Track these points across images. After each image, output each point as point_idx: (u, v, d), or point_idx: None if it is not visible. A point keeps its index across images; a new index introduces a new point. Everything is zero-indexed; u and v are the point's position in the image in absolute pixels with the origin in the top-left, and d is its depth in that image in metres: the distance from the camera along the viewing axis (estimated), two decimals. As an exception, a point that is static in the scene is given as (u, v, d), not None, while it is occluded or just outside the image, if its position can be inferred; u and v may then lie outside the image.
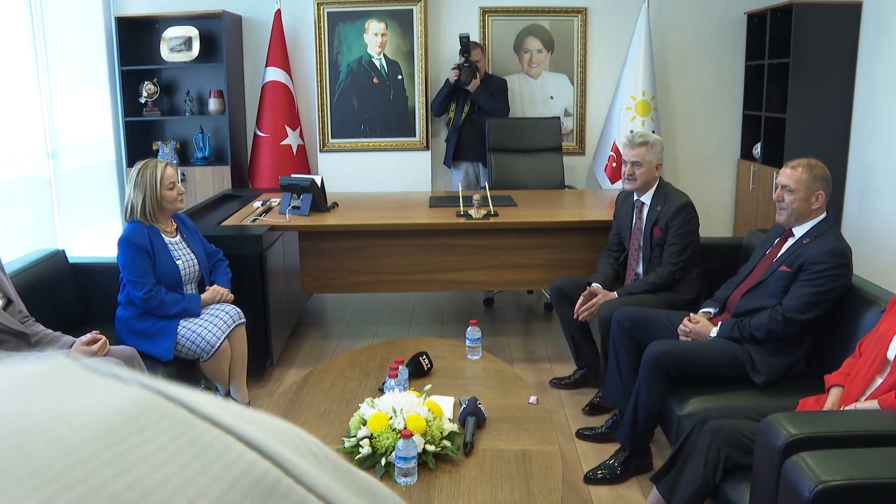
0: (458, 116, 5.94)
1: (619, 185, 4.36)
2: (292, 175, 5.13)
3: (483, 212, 4.59)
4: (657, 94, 6.04)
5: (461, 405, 2.78)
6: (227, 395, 3.76)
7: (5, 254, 3.21)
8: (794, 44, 5.47)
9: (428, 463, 2.42)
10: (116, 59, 6.04)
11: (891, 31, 5.04)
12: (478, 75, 5.78)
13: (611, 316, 3.55)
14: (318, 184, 4.72)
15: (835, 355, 2.98)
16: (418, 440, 2.42)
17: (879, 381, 2.49)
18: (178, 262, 3.59)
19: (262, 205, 4.95)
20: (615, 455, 3.35)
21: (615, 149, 5.88)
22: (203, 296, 3.65)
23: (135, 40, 6.13)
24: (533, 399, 2.94)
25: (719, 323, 3.26)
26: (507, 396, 2.99)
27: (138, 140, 6.23)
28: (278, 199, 4.97)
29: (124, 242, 3.47)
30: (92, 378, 0.34)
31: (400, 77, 6.18)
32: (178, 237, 3.69)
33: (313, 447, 0.35)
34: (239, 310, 3.72)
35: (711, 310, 3.43)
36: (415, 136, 6.25)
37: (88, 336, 2.96)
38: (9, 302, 2.98)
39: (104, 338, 2.99)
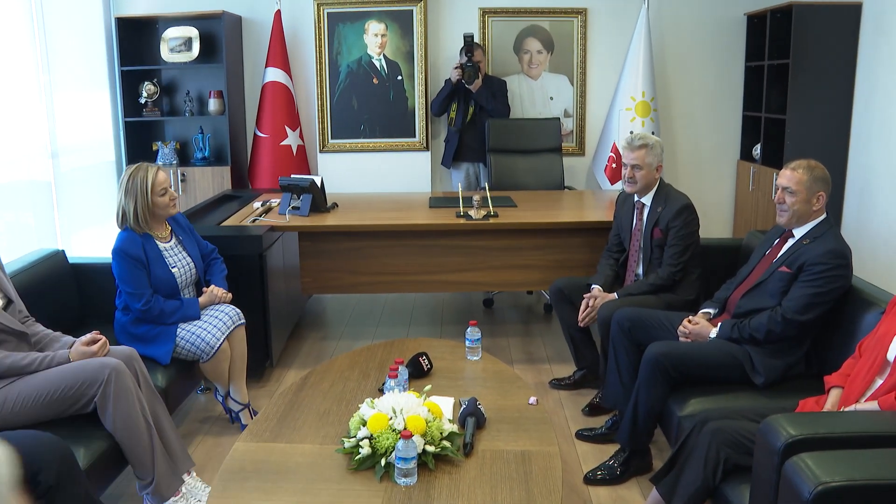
0: (459, 117, 5.94)
1: (618, 185, 4.36)
2: (292, 175, 5.13)
3: (483, 212, 4.59)
4: (657, 95, 6.04)
5: (461, 406, 2.78)
6: (227, 395, 3.76)
7: (5, 254, 3.21)
8: (794, 45, 5.47)
9: (428, 463, 2.42)
10: (116, 59, 6.04)
11: (891, 32, 5.04)
12: (479, 75, 5.78)
13: (611, 317, 3.55)
14: (318, 184, 4.72)
15: (834, 356, 2.98)
16: (418, 441, 2.41)
17: (879, 382, 2.49)
18: (173, 269, 3.55)
19: (261, 205, 4.95)
20: (615, 456, 3.36)
21: (615, 150, 5.89)
22: (201, 299, 3.63)
23: (135, 41, 6.13)
24: (532, 400, 2.94)
25: (719, 324, 3.26)
26: (506, 397, 2.98)
27: (138, 140, 6.23)
28: (278, 200, 4.97)
29: (119, 253, 3.42)
30: None
31: (400, 78, 6.18)
32: (173, 241, 3.65)
33: None
34: (238, 310, 3.72)
35: (711, 310, 3.43)
36: (414, 136, 6.25)
37: (88, 336, 2.96)
38: (9, 302, 2.98)
39: (104, 338, 2.99)
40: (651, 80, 5.95)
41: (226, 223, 4.56)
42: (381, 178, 6.22)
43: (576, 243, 4.63)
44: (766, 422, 2.25)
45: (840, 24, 5.42)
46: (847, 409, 2.52)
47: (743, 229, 6.19)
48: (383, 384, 2.92)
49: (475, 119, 5.92)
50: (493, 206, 4.71)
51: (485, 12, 6.34)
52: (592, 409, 3.96)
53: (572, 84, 6.45)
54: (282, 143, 6.13)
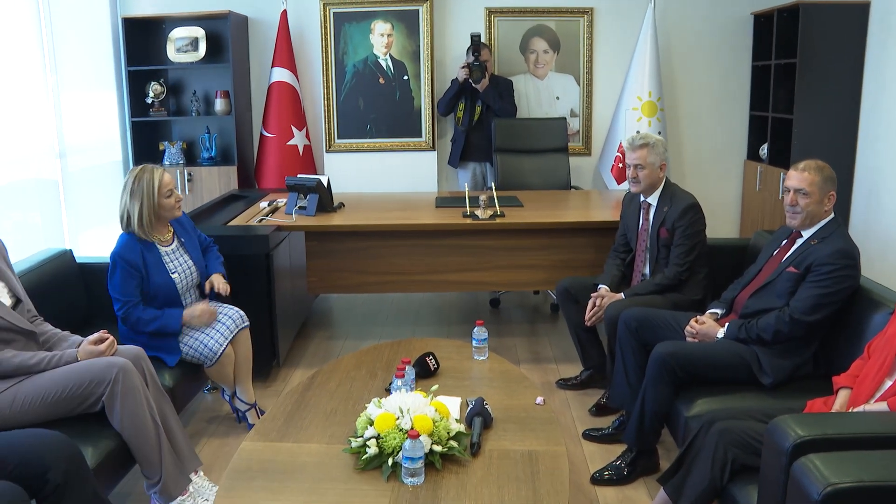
0: (467, 116, 5.94)
1: (625, 185, 4.36)
2: (298, 175, 5.13)
3: (489, 212, 4.59)
4: (663, 94, 6.03)
5: (468, 406, 2.78)
6: (234, 395, 3.77)
7: (14, 253, 3.22)
8: (801, 44, 5.46)
9: (435, 463, 2.42)
10: (123, 59, 6.06)
11: (898, 32, 5.03)
12: (486, 74, 5.78)
13: (617, 317, 3.55)
14: (325, 184, 4.73)
15: (842, 356, 2.97)
16: (425, 440, 2.42)
17: (889, 383, 2.48)
18: (173, 275, 3.50)
19: (268, 205, 4.95)
20: (622, 456, 3.35)
21: (621, 149, 5.88)
22: (185, 313, 3.46)
23: (141, 41, 6.14)
24: (539, 400, 2.94)
25: (726, 324, 3.26)
26: (513, 397, 2.98)
27: (145, 140, 6.25)
28: (284, 200, 4.97)
29: (115, 258, 3.39)
30: None
31: (406, 77, 6.18)
32: (175, 244, 3.61)
33: None
34: (242, 313, 3.71)
35: (718, 311, 3.42)
36: (421, 136, 6.25)
37: (96, 336, 2.97)
38: (17, 301, 2.99)
39: (111, 337, 2.99)
40: (657, 79, 5.94)
41: (232, 223, 4.57)
42: (388, 178, 6.22)
43: (582, 243, 4.63)
44: (774, 422, 2.24)
45: (848, 23, 5.41)
46: (856, 409, 2.51)
47: (750, 229, 6.18)
48: (390, 384, 2.92)
49: (482, 118, 5.92)
50: (499, 206, 4.70)
51: (491, 12, 6.33)
52: (599, 409, 3.95)
53: (578, 84, 6.44)
54: (288, 143, 6.14)
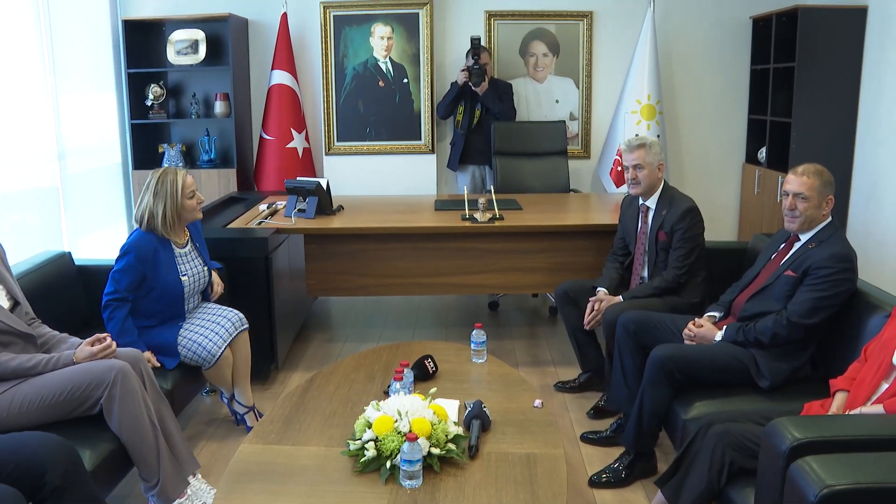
0: (466, 119, 5.94)
1: (624, 188, 4.38)
2: (298, 178, 5.14)
3: (488, 215, 4.60)
4: (662, 98, 6.04)
5: (466, 408, 2.78)
6: (232, 398, 3.77)
7: (12, 256, 3.22)
8: (800, 48, 5.47)
9: (433, 466, 2.42)
10: (123, 61, 6.06)
11: (896, 36, 5.04)
12: (486, 77, 5.79)
13: (616, 320, 3.55)
14: (324, 187, 4.73)
15: (840, 360, 2.97)
16: (423, 443, 2.42)
17: (885, 386, 2.49)
18: (183, 277, 3.53)
19: (267, 207, 4.96)
20: (620, 458, 3.35)
21: (620, 153, 5.87)
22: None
23: (141, 43, 6.15)
24: (538, 402, 2.94)
25: (724, 327, 3.26)
26: (511, 400, 2.99)
27: (144, 143, 6.25)
28: (284, 202, 4.98)
29: (127, 248, 3.41)
30: None
31: (406, 80, 6.19)
32: (189, 247, 3.64)
33: None
34: (241, 315, 3.72)
35: (716, 314, 3.43)
36: (420, 139, 6.26)
37: (94, 338, 2.97)
38: (15, 304, 2.99)
39: (110, 339, 2.99)
40: (657, 83, 5.95)
41: (232, 225, 4.57)
42: (387, 181, 6.23)
43: (581, 246, 4.63)
44: (771, 424, 2.24)
45: (846, 27, 5.42)
46: (853, 412, 2.51)
47: (748, 232, 6.18)
48: (389, 386, 2.92)
49: (482, 122, 5.93)
50: (498, 209, 4.71)
51: (491, 15, 6.34)
52: (597, 412, 3.96)
53: (578, 87, 6.45)
54: (288, 146, 6.14)
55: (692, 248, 3.80)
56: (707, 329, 3.30)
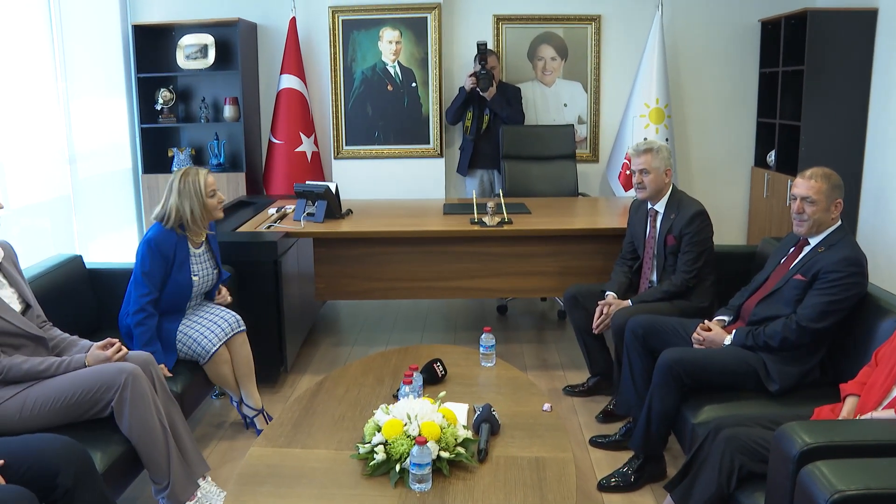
0: (475, 125, 5.95)
1: (632, 192, 4.38)
2: (307, 182, 5.15)
3: (497, 219, 4.60)
4: (671, 101, 6.04)
5: (475, 412, 2.78)
6: (241, 401, 3.78)
7: (24, 259, 3.24)
8: (809, 51, 5.46)
9: (442, 469, 2.43)
10: (133, 66, 6.09)
11: (906, 39, 5.03)
12: (494, 82, 5.80)
13: (625, 324, 3.55)
14: (333, 191, 4.74)
15: (850, 364, 2.97)
16: (433, 447, 2.42)
17: (896, 390, 2.49)
18: (194, 277, 3.58)
19: (276, 211, 4.97)
20: (629, 463, 3.35)
21: (629, 157, 5.87)
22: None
23: (151, 48, 6.18)
24: (546, 406, 2.94)
25: (733, 331, 3.26)
26: (520, 403, 2.99)
27: (154, 147, 6.27)
28: (293, 206, 4.99)
29: (149, 244, 3.44)
30: None
31: (414, 84, 6.20)
32: (204, 247, 3.69)
33: None
34: (238, 317, 3.73)
35: (725, 318, 3.43)
36: (429, 143, 6.27)
37: (105, 341, 2.99)
38: (27, 307, 3.01)
39: (119, 343, 3.01)
40: (665, 86, 5.95)
41: (241, 229, 4.59)
42: (396, 185, 6.24)
43: (590, 250, 4.63)
44: (781, 429, 2.24)
45: (855, 30, 5.40)
46: (863, 417, 2.50)
47: (757, 236, 6.17)
48: (398, 390, 2.93)
49: (490, 127, 5.93)
50: (507, 213, 4.71)
51: (499, 19, 6.35)
52: (606, 416, 3.95)
53: (586, 91, 6.45)
54: (296, 150, 6.16)
55: (701, 252, 3.79)
56: (716, 333, 3.30)
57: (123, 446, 2.84)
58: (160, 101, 6.19)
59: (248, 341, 3.75)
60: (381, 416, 2.61)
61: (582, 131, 6.48)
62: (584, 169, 6.32)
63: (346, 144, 6.29)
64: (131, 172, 6.20)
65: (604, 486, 3.30)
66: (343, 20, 6.12)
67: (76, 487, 2.39)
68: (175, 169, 6.23)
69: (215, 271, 3.74)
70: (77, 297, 3.77)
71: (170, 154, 6.31)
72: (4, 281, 2.97)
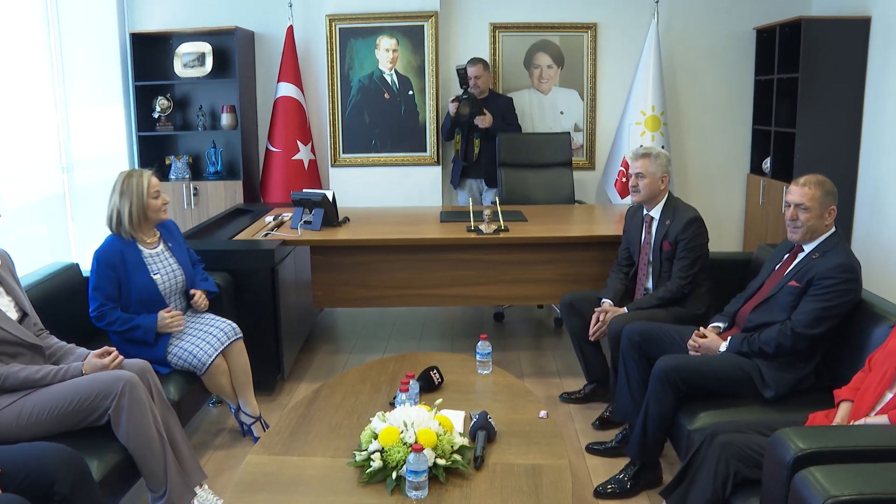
0: (464, 148, 5.93)
1: (628, 200, 4.39)
2: (304, 190, 5.17)
3: (493, 227, 4.61)
4: (667, 109, 6.06)
5: (472, 419, 2.79)
6: (238, 409, 3.78)
7: (20, 267, 3.24)
8: (803, 59, 5.49)
9: (439, 477, 2.43)
10: (130, 74, 6.11)
11: (900, 47, 5.06)
12: (484, 111, 5.78)
13: (621, 331, 3.56)
14: (330, 198, 4.75)
15: (844, 370, 2.98)
16: (429, 454, 2.43)
17: (889, 396, 2.50)
18: (155, 276, 3.55)
19: (273, 219, 4.98)
20: (625, 469, 3.36)
21: (625, 164, 5.89)
22: (159, 322, 3.46)
23: (149, 56, 6.20)
24: (543, 413, 2.95)
25: (729, 337, 3.27)
26: (517, 411, 3.00)
27: (151, 154, 6.28)
28: (290, 214, 5.00)
29: (95, 257, 3.48)
30: None
31: (411, 92, 6.22)
32: (161, 247, 3.66)
33: None
34: (234, 325, 3.73)
35: (721, 324, 3.44)
36: (426, 151, 6.29)
37: (102, 349, 2.99)
38: (24, 315, 3.01)
39: (116, 352, 3.01)
40: (661, 94, 5.97)
41: (238, 237, 4.60)
42: (393, 193, 6.25)
43: (586, 257, 4.64)
44: (775, 435, 2.25)
45: (849, 37, 5.43)
46: (857, 422, 2.52)
47: (753, 243, 6.19)
48: (394, 398, 2.94)
49: (483, 149, 5.90)
50: (503, 221, 4.73)
51: (495, 27, 6.38)
52: (603, 423, 3.96)
53: (582, 98, 6.47)
54: (294, 158, 6.18)
55: (696, 258, 3.81)
56: (711, 340, 3.31)
57: (120, 454, 2.84)
58: (157, 108, 6.21)
59: (245, 349, 3.75)
60: (377, 423, 2.62)
61: (578, 139, 6.50)
62: (580, 176, 6.34)
63: (343, 152, 6.31)
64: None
65: (600, 493, 3.30)
66: (340, 28, 6.14)
67: (73, 496, 2.39)
68: (172, 177, 6.26)
69: (180, 269, 3.69)
70: (74, 305, 3.77)
71: (167, 162, 6.33)
72: (1, 289, 2.98)
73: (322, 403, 3.07)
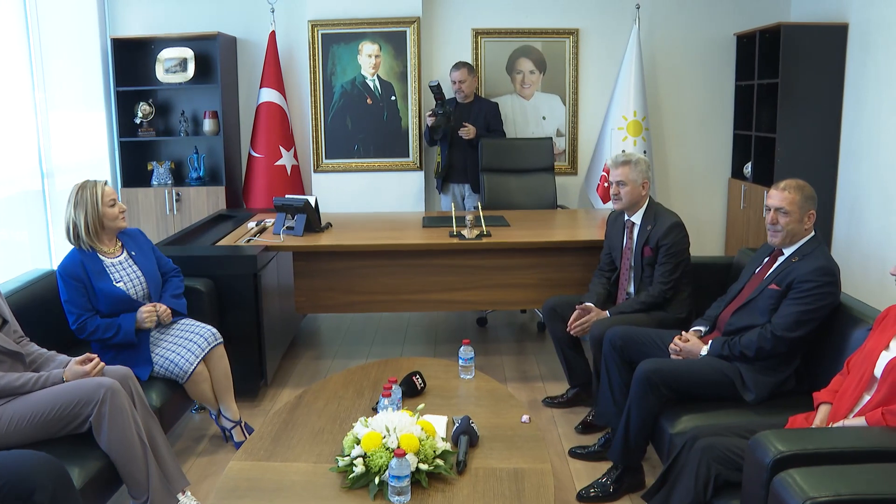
0: (444, 163, 5.97)
1: (611, 204, 4.42)
2: (286, 195, 5.16)
3: (476, 232, 4.62)
4: (648, 114, 6.10)
5: (454, 424, 2.80)
6: (219, 414, 3.76)
7: (0, 273, 3.22)
8: (783, 64, 5.54)
9: (421, 482, 2.44)
10: (112, 79, 6.08)
11: (876, 52, 5.11)
12: (469, 127, 5.82)
13: (603, 335, 3.57)
14: (313, 204, 4.75)
15: (824, 372, 3.00)
16: (411, 459, 2.44)
17: (867, 398, 2.52)
18: (118, 284, 3.51)
19: (256, 225, 4.97)
20: (608, 473, 3.37)
21: (607, 169, 5.91)
22: (137, 316, 3.51)
23: (130, 61, 6.18)
24: (525, 418, 2.96)
25: (710, 341, 3.29)
26: (499, 415, 3.01)
27: (133, 160, 6.26)
28: (272, 220, 4.99)
29: (59, 272, 3.47)
30: None
31: (393, 98, 6.23)
32: (123, 256, 3.62)
33: None
34: (214, 331, 3.71)
35: (702, 328, 3.46)
36: (408, 156, 6.29)
37: (82, 357, 2.98)
38: (4, 322, 2.99)
39: (98, 359, 3.00)
40: (642, 99, 6.01)
41: (220, 243, 4.58)
42: (375, 198, 6.26)
43: (569, 262, 4.66)
44: (755, 438, 2.27)
45: (827, 43, 5.50)
46: (835, 424, 2.54)
47: (735, 247, 6.23)
48: (377, 403, 2.94)
49: (461, 142, 5.93)
50: (485, 226, 4.74)
51: (477, 33, 6.40)
52: (585, 427, 3.97)
53: (565, 104, 6.50)
54: (276, 163, 6.17)
55: (677, 263, 3.83)
56: (693, 343, 3.33)
57: (102, 461, 2.82)
58: (139, 114, 6.19)
59: (225, 354, 3.73)
60: (360, 428, 2.62)
61: (560, 144, 6.53)
62: (562, 181, 6.37)
63: (325, 158, 6.31)
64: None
65: (583, 497, 3.31)
66: (322, 34, 6.15)
67: (54, 504, 2.38)
68: (154, 183, 6.24)
69: (143, 278, 3.64)
70: (54, 311, 3.74)
71: (149, 168, 6.30)
72: (-19, 296, 2.96)
73: (305, 409, 3.07)
